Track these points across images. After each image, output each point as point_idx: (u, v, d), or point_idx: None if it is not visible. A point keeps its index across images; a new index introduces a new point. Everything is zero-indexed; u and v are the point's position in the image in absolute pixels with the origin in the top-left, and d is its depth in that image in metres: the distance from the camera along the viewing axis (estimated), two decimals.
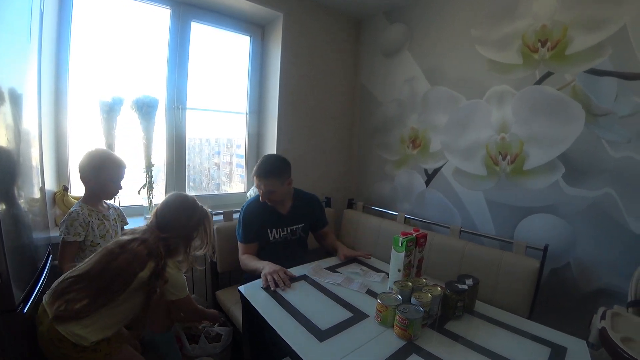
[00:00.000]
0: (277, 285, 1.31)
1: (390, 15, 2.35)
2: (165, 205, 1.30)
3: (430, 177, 2.12)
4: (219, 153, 2.55)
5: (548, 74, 1.59)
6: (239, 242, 1.69)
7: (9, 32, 1.07)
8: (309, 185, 2.44)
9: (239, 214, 1.74)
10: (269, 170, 1.61)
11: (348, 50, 2.60)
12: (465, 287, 1.15)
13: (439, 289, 1.14)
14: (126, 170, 1.51)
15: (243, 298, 1.29)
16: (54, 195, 1.65)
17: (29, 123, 1.27)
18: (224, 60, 2.33)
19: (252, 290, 1.31)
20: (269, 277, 1.34)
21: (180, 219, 1.27)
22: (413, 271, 1.33)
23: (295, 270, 1.48)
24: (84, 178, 1.44)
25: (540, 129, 1.61)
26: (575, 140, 1.52)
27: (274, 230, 1.69)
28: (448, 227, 1.89)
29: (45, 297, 1.12)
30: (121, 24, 1.88)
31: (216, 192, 2.50)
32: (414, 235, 1.31)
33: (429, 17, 2.10)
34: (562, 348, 1.00)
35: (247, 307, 1.27)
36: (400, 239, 1.26)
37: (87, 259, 1.16)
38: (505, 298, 1.52)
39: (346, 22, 2.54)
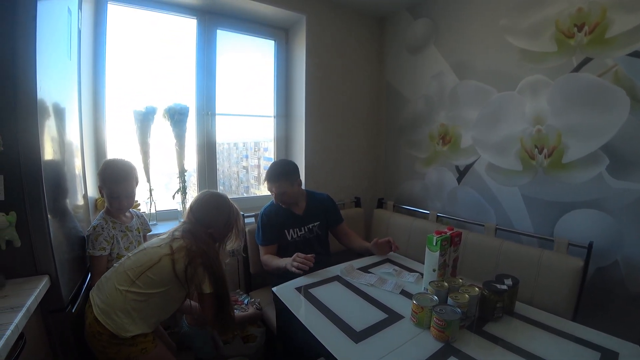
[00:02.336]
0: (305, 266, 1.40)
1: (413, 11, 2.30)
2: (204, 203, 1.34)
3: (462, 174, 2.06)
4: (246, 156, 2.60)
5: (586, 60, 1.50)
6: (259, 246, 1.77)
7: (53, 51, 1.15)
8: (337, 186, 2.45)
9: (258, 219, 1.83)
10: (278, 173, 1.71)
11: (372, 49, 2.58)
12: (504, 287, 1.10)
13: (477, 289, 1.10)
14: (134, 183, 1.45)
15: (276, 299, 1.31)
16: (95, 201, 1.75)
17: (72, 134, 1.36)
18: (250, 65, 2.37)
19: (285, 291, 1.32)
20: (295, 264, 1.42)
21: (220, 216, 1.33)
22: (448, 271, 1.29)
23: (328, 272, 1.48)
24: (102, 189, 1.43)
25: (579, 119, 1.52)
26: (619, 129, 1.42)
27: (292, 231, 1.77)
28: (482, 225, 1.83)
29: (92, 292, 1.18)
30: (151, 37, 1.97)
31: (245, 195, 2.55)
32: (448, 234, 1.28)
33: (454, 9, 2.03)
34: (613, 353, 0.94)
35: (281, 307, 1.28)
36: (435, 238, 1.23)
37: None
38: (546, 299, 1.45)
39: (369, 20, 2.52)
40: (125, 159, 1.46)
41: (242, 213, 1.48)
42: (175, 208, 2.06)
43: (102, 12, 1.76)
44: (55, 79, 1.18)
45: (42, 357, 1.01)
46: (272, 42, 2.39)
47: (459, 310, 1.00)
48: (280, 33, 2.39)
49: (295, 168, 1.79)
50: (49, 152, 1.06)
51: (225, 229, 1.35)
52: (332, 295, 1.29)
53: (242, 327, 1.63)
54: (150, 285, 1.14)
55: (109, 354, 1.11)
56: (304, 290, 1.32)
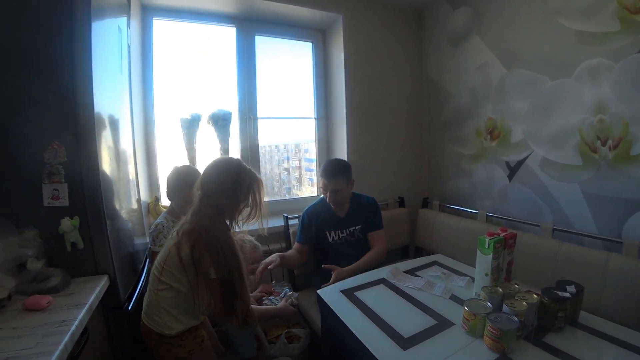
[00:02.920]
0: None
1: (453, 1, 2.20)
2: (208, 172, 1.18)
3: (513, 170, 1.92)
4: (288, 158, 2.64)
5: None
6: (296, 243, 1.82)
7: (107, 67, 1.23)
8: (381, 186, 2.40)
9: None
10: (337, 170, 1.70)
11: (411, 44, 2.50)
12: (567, 294, 1.00)
13: (535, 296, 1.02)
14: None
15: (321, 301, 1.30)
16: (148, 205, 1.85)
17: (125, 143, 1.45)
18: (289, 69, 2.40)
19: (330, 294, 1.31)
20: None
21: (226, 183, 1.15)
22: (502, 275, 1.21)
23: (373, 274, 1.45)
24: (169, 194, 1.55)
25: None
26: None
27: (333, 232, 1.76)
28: (538, 225, 1.70)
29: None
30: (193, 47, 2.07)
31: (288, 197, 2.58)
32: (501, 235, 1.19)
33: None
34: None
35: (325, 310, 1.27)
36: (487, 240, 1.15)
37: None
38: (613, 308, 1.30)
39: (406, 14, 2.45)
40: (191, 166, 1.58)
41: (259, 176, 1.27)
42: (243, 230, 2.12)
43: (148, 27, 1.88)
44: (109, 93, 1.26)
45: (103, 352, 1.09)
46: (310, 44, 2.40)
47: (515, 319, 0.92)
48: (317, 34, 2.39)
49: (350, 168, 1.78)
50: (105, 161, 1.14)
51: (231, 198, 1.15)
52: (378, 298, 1.26)
53: (268, 323, 1.58)
54: (173, 279, 1.09)
55: (161, 352, 1.15)
56: (349, 293, 1.29)
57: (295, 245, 1.81)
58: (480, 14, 2.03)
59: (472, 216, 2.09)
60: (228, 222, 1.19)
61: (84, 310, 0.88)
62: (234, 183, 1.15)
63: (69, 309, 0.88)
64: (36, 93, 1.02)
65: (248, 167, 1.22)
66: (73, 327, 0.80)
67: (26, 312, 0.87)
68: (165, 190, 1.56)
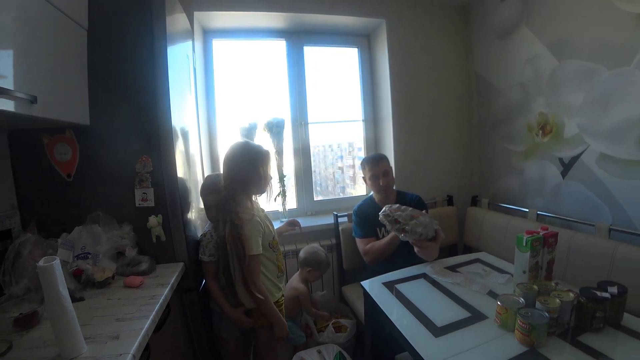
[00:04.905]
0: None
1: None
2: (225, 157, 1.38)
3: (567, 166, 1.84)
4: (341, 157, 2.74)
5: None
6: (358, 240, 1.84)
7: (182, 91, 1.49)
8: (429, 185, 2.44)
9: (352, 217, 1.91)
10: (380, 155, 1.89)
11: (457, 40, 2.47)
12: (606, 295, 0.99)
13: (571, 294, 1.02)
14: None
15: (365, 293, 1.41)
16: None
17: (194, 149, 1.71)
18: (336, 75, 2.54)
19: (373, 286, 1.42)
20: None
21: (235, 163, 1.34)
22: (541, 274, 1.21)
23: (415, 269, 1.53)
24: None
25: None
26: None
27: (382, 229, 1.79)
28: (593, 225, 1.61)
29: None
30: (248, 61, 2.30)
31: (342, 196, 2.69)
32: (541, 234, 1.20)
33: None
34: None
35: (369, 301, 1.38)
36: (525, 237, 1.17)
37: None
38: None
39: (451, 10, 2.43)
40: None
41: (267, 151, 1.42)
42: (277, 209, 2.33)
43: (209, 48, 2.15)
44: (182, 110, 1.51)
45: (180, 324, 1.33)
46: (356, 49, 2.50)
47: (547, 314, 0.95)
48: (362, 40, 2.48)
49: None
50: (180, 167, 1.38)
51: (241, 174, 1.33)
52: (418, 291, 1.33)
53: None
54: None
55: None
56: (391, 286, 1.39)
57: (365, 241, 1.79)
58: (529, 3, 1.95)
59: (522, 215, 2.03)
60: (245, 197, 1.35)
61: (167, 289, 1.11)
62: (240, 159, 1.33)
63: (157, 287, 1.12)
64: (128, 110, 1.29)
65: (256, 144, 1.40)
66: (161, 300, 1.03)
67: (125, 288, 1.13)
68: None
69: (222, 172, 1.39)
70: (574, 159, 1.78)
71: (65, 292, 0.75)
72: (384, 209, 1.55)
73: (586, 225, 1.67)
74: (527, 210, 1.99)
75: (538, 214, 1.92)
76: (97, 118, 1.24)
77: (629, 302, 1.03)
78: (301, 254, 1.93)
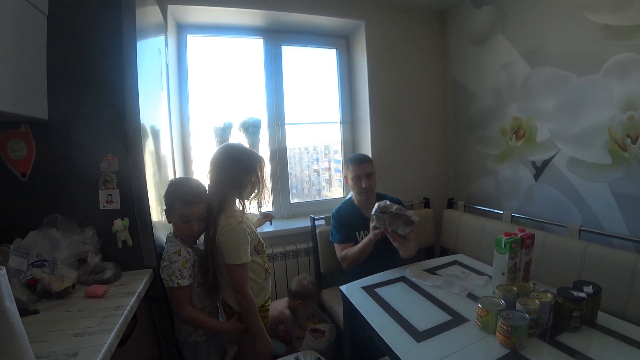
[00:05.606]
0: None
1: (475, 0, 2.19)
2: (213, 159, 1.30)
3: (539, 170, 1.89)
4: (317, 160, 2.70)
5: None
6: (336, 245, 1.81)
7: (150, 85, 1.40)
8: (406, 187, 2.44)
9: (330, 220, 1.87)
10: (365, 156, 1.86)
11: (435, 46, 2.51)
12: (582, 295, 1.01)
13: (549, 295, 1.04)
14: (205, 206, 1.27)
15: (344, 297, 1.38)
16: None
17: (165, 149, 1.62)
18: (314, 75, 2.50)
19: (352, 290, 1.39)
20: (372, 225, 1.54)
21: (227, 167, 1.26)
22: (519, 275, 1.22)
23: (394, 272, 1.51)
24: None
25: None
26: None
27: (362, 232, 1.77)
28: (564, 226, 1.67)
29: None
30: (224, 59, 2.22)
31: (317, 198, 2.65)
32: (518, 235, 1.21)
33: None
34: None
35: (348, 306, 1.35)
36: (503, 239, 1.18)
37: None
38: None
39: (429, 16, 2.47)
40: (195, 179, 1.35)
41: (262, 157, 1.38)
42: (253, 212, 2.25)
43: (183, 44, 2.05)
44: (152, 107, 1.42)
45: (148, 335, 1.24)
46: (334, 50, 2.48)
47: (527, 316, 0.95)
48: (341, 41, 2.47)
49: None
50: (149, 167, 1.29)
51: (237, 177, 1.26)
52: (397, 295, 1.32)
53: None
54: None
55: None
56: (370, 290, 1.36)
57: (341, 247, 1.76)
58: (504, 11, 2.01)
59: (497, 217, 2.08)
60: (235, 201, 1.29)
61: (134, 298, 1.02)
62: (234, 161, 1.27)
63: (122, 297, 1.03)
64: (93, 106, 1.19)
65: (249, 149, 1.36)
66: (126, 310, 0.95)
67: (87, 298, 1.03)
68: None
69: (209, 175, 1.29)
70: (546, 162, 1.84)
71: (12, 306, 0.66)
72: (375, 206, 1.53)
73: (558, 226, 1.72)
74: (502, 212, 2.04)
75: (513, 216, 1.97)
76: (56, 112, 1.14)
77: (601, 301, 1.06)
78: (292, 285, 1.89)
